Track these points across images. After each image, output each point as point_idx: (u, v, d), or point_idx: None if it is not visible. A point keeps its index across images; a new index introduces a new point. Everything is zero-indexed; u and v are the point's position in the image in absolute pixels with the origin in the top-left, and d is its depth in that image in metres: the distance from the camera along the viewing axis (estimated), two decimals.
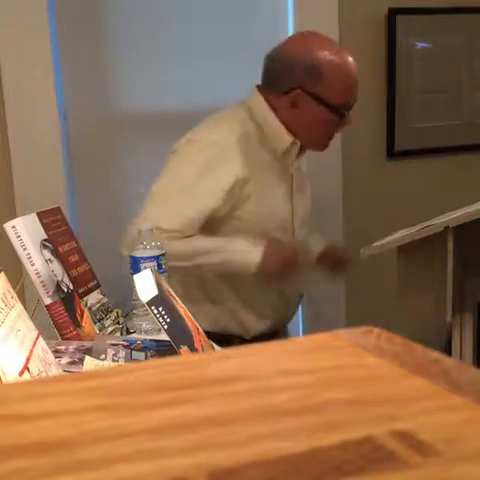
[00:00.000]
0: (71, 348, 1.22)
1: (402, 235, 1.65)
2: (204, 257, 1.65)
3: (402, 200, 2.51)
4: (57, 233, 1.38)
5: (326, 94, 1.69)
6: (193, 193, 1.66)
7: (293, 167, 1.80)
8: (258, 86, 1.78)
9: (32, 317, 1.05)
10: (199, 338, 1.14)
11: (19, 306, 0.99)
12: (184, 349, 1.06)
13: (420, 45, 2.53)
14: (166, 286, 1.20)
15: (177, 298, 1.24)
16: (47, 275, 1.28)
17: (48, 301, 1.27)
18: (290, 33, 2.22)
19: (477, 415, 0.37)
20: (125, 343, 1.25)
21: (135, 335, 1.40)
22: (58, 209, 1.45)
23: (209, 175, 1.65)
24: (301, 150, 1.79)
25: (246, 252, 1.66)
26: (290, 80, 1.71)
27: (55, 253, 1.34)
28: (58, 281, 1.30)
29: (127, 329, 1.43)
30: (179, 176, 1.69)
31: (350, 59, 1.73)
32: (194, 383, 0.42)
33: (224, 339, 1.79)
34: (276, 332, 1.89)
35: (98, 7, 2.20)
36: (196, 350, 1.08)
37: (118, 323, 1.44)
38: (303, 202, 1.84)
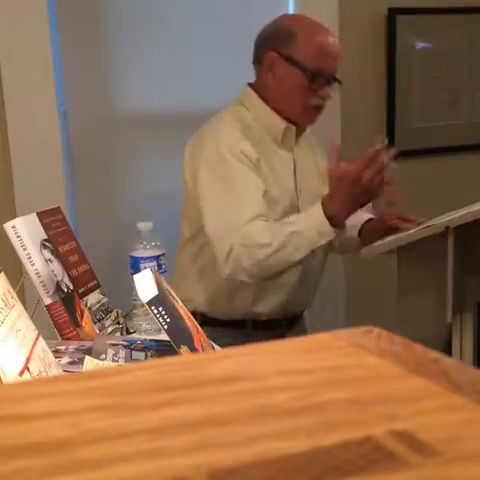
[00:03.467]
0: (71, 348, 1.22)
1: (402, 235, 1.65)
2: (281, 232, 1.63)
3: (402, 200, 2.51)
4: (57, 233, 1.38)
5: (299, 56, 1.73)
6: (245, 188, 1.70)
7: (295, 152, 1.84)
8: (249, 83, 1.85)
9: (32, 317, 1.05)
10: (199, 338, 1.14)
11: (19, 306, 0.99)
12: (184, 349, 1.06)
13: (420, 45, 2.53)
14: (166, 286, 1.20)
15: (177, 298, 1.24)
16: (47, 275, 1.28)
17: (48, 301, 1.27)
18: None
19: (477, 415, 0.37)
20: (125, 343, 1.26)
21: (135, 335, 1.40)
22: (58, 209, 1.45)
23: (244, 168, 1.70)
24: (298, 134, 1.83)
25: (308, 215, 1.66)
26: (266, 45, 1.77)
27: (55, 253, 1.34)
28: (58, 281, 1.30)
29: (127, 329, 1.43)
30: (223, 182, 1.71)
31: (327, 29, 1.77)
32: (194, 383, 0.42)
33: (237, 324, 1.81)
34: (293, 317, 1.91)
35: (98, 7, 2.20)
36: (196, 350, 1.08)
37: (118, 323, 1.44)
38: (308, 186, 1.86)
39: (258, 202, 1.68)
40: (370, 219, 1.87)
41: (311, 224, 1.63)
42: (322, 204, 1.62)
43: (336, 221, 1.62)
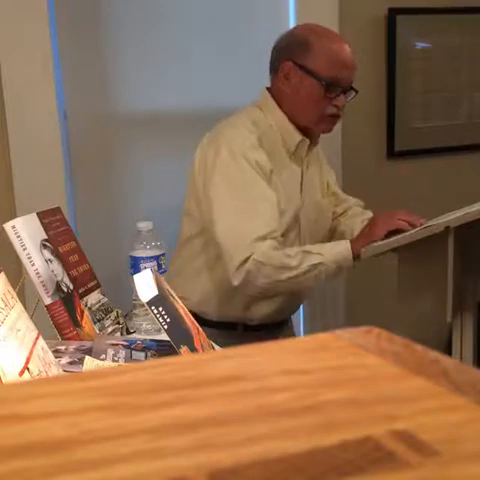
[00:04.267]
0: (71, 348, 1.22)
1: (402, 235, 1.65)
2: (308, 260, 1.68)
3: (402, 200, 2.51)
4: (57, 233, 1.38)
5: (314, 66, 1.73)
6: (261, 200, 1.71)
7: (304, 164, 1.84)
8: (267, 88, 1.84)
9: (32, 317, 1.05)
10: (199, 338, 1.14)
11: (19, 306, 0.99)
12: (184, 349, 1.06)
13: (420, 45, 2.53)
14: (166, 286, 1.20)
15: (177, 298, 1.24)
16: (47, 275, 1.28)
17: (48, 301, 1.27)
18: None
19: (477, 415, 0.37)
20: (125, 343, 1.26)
21: (135, 335, 1.40)
22: (58, 209, 1.45)
23: (259, 179, 1.71)
24: (310, 147, 1.83)
25: (335, 245, 1.73)
26: (282, 54, 1.78)
27: (55, 253, 1.34)
28: (58, 281, 1.30)
29: (127, 329, 1.43)
30: (238, 191, 1.72)
31: (342, 39, 1.79)
32: (194, 383, 0.42)
33: (228, 326, 1.82)
34: (281, 322, 1.93)
35: (98, 7, 2.20)
36: (196, 350, 1.08)
37: (118, 323, 1.44)
38: (310, 197, 1.87)
39: (273, 216, 1.69)
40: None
41: (336, 257, 1.68)
42: (351, 242, 1.70)
43: (356, 257, 1.71)
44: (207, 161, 1.74)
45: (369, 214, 1.93)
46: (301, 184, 1.84)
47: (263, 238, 1.65)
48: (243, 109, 1.84)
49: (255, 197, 1.69)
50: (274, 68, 1.81)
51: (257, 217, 1.67)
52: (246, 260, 1.63)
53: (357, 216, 1.94)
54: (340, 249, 1.69)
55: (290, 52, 1.76)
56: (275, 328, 1.90)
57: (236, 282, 1.66)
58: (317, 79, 1.73)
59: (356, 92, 1.81)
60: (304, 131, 1.80)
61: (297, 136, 1.79)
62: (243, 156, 1.70)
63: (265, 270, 1.64)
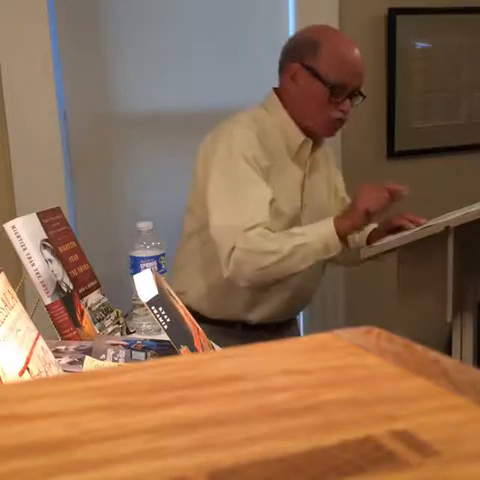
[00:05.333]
0: (71, 348, 1.22)
1: (402, 235, 1.65)
2: (290, 241, 1.65)
3: (402, 200, 2.51)
4: (57, 233, 1.38)
5: (321, 68, 1.72)
6: (252, 194, 1.70)
7: (307, 166, 1.83)
8: (274, 88, 1.83)
9: (32, 317, 1.05)
10: (199, 338, 1.14)
11: (19, 306, 0.99)
12: (184, 349, 1.06)
13: (420, 45, 2.53)
14: (166, 286, 1.20)
15: (177, 298, 1.24)
16: (47, 275, 1.28)
17: (48, 301, 1.27)
18: (290, 33, 2.22)
19: (477, 415, 0.37)
20: (125, 343, 1.26)
21: (135, 335, 1.40)
22: (58, 209, 1.45)
23: (254, 175, 1.70)
24: (313, 148, 1.83)
25: (318, 226, 1.69)
26: (291, 56, 1.77)
27: (55, 253, 1.34)
28: (58, 281, 1.30)
29: (127, 329, 1.43)
30: (232, 184, 1.72)
31: (352, 44, 1.76)
32: (194, 383, 0.42)
33: (226, 325, 1.81)
34: (282, 323, 1.91)
35: (98, 7, 2.20)
36: (196, 350, 1.08)
37: (118, 323, 1.44)
38: (314, 201, 1.86)
39: (263, 212, 1.68)
40: (375, 229, 1.88)
41: (320, 237, 1.65)
42: (335, 220, 1.66)
43: (343, 238, 1.66)
44: (207, 157, 1.75)
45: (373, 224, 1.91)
46: (302, 185, 1.83)
47: (251, 229, 1.64)
48: (248, 108, 1.83)
49: (247, 192, 1.68)
50: (281, 68, 1.80)
51: (246, 211, 1.66)
52: (233, 249, 1.63)
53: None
54: (324, 227, 1.66)
55: (298, 53, 1.75)
56: (276, 328, 1.89)
57: (226, 273, 1.66)
58: (323, 82, 1.72)
59: (364, 97, 1.80)
60: (307, 132, 1.79)
61: (300, 136, 1.78)
62: (240, 152, 1.69)
63: (250, 257, 1.63)
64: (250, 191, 1.69)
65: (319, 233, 1.66)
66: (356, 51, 1.75)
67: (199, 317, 1.76)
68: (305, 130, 1.78)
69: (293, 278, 1.73)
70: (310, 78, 1.73)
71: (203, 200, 1.74)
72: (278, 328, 1.90)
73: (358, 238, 1.87)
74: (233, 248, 1.63)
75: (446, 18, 2.53)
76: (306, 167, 1.83)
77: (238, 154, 1.69)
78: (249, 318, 1.85)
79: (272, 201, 1.71)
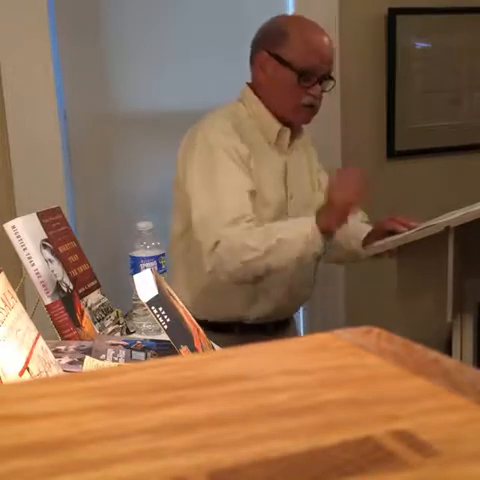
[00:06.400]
0: (71, 348, 1.22)
1: (402, 235, 1.65)
2: (270, 238, 1.63)
3: (402, 200, 2.51)
4: (57, 233, 1.38)
5: (288, 55, 1.73)
6: (230, 186, 1.69)
7: (286, 155, 1.83)
8: (248, 83, 1.85)
9: (32, 317, 1.05)
10: (199, 338, 1.14)
11: (19, 306, 0.99)
12: (184, 349, 1.06)
13: (420, 45, 2.53)
14: (166, 286, 1.20)
15: (177, 298, 1.24)
16: (47, 275, 1.28)
17: (48, 301, 1.27)
18: None
19: (477, 415, 0.37)
20: (125, 343, 1.26)
21: (135, 335, 1.40)
22: (58, 209, 1.45)
23: (231, 165, 1.69)
24: (292, 137, 1.82)
25: (296, 223, 1.67)
26: (258, 45, 1.79)
27: (55, 253, 1.34)
28: (58, 281, 1.30)
29: (127, 329, 1.43)
30: (210, 176, 1.71)
31: (320, 30, 1.77)
32: (194, 383, 0.42)
33: (223, 326, 1.80)
34: (279, 322, 1.90)
35: (98, 7, 2.20)
36: (196, 350, 1.08)
37: (118, 323, 1.44)
38: (299, 192, 1.85)
39: (242, 202, 1.67)
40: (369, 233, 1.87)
41: (301, 234, 1.63)
42: (317, 217, 1.63)
43: (327, 233, 1.63)
44: (186, 152, 1.75)
45: (366, 226, 1.89)
46: (285, 174, 1.82)
47: (233, 223, 1.63)
48: (225, 105, 1.84)
49: (226, 185, 1.68)
50: (251, 59, 1.82)
51: (226, 205, 1.65)
52: (216, 245, 1.63)
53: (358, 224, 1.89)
54: (305, 225, 1.64)
55: (265, 42, 1.77)
56: (272, 328, 1.88)
57: (208, 268, 1.66)
58: (291, 68, 1.72)
59: (334, 81, 1.79)
60: (284, 121, 1.79)
61: (277, 125, 1.78)
62: (218, 143, 1.69)
63: (232, 251, 1.62)
64: (228, 184, 1.68)
65: (300, 231, 1.64)
66: (324, 37, 1.76)
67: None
68: (281, 119, 1.79)
69: (282, 276, 1.72)
70: (278, 66, 1.74)
71: (186, 196, 1.73)
72: (276, 328, 1.90)
73: (354, 243, 1.85)
74: (216, 242, 1.63)
75: (446, 18, 2.53)
76: (287, 157, 1.83)
77: (217, 145, 1.69)
78: (244, 317, 1.83)
79: (254, 191, 1.70)
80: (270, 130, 1.79)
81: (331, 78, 1.78)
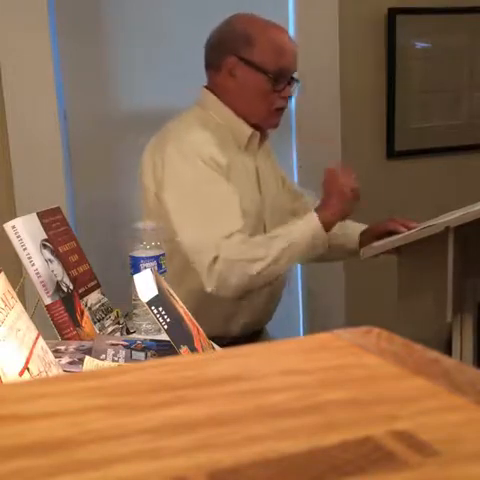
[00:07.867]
0: (71, 348, 1.22)
1: (402, 235, 1.65)
2: (276, 245, 1.61)
3: (402, 200, 2.51)
4: (57, 233, 1.38)
5: (259, 59, 1.69)
6: (221, 200, 1.65)
7: (257, 158, 1.80)
8: (205, 86, 1.79)
9: (32, 317, 1.05)
10: (199, 338, 1.14)
11: (19, 306, 0.99)
12: (184, 349, 1.06)
13: (420, 45, 2.53)
14: (166, 286, 1.20)
15: (177, 298, 1.24)
16: (47, 275, 1.28)
17: (48, 301, 1.27)
18: (291, 33, 2.22)
19: (477, 415, 0.37)
20: (125, 343, 1.25)
21: (135, 335, 1.40)
22: (58, 209, 1.45)
23: (216, 177, 1.65)
24: (261, 140, 1.80)
25: (302, 223, 1.65)
26: (225, 50, 1.72)
27: (55, 253, 1.34)
28: (58, 281, 1.30)
29: (127, 329, 1.43)
30: (197, 193, 1.66)
31: (283, 29, 1.75)
32: (194, 383, 0.42)
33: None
34: (255, 333, 1.86)
35: (98, 7, 2.20)
36: (196, 350, 1.08)
37: (118, 323, 1.44)
38: (271, 195, 1.83)
39: (236, 214, 1.63)
40: (365, 230, 1.87)
41: (306, 234, 1.62)
42: (318, 214, 1.62)
43: (330, 229, 1.64)
44: (157, 167, 1.68)
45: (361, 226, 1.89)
46: (258, 182, 1.79)
47: (228, 236, 1.59)
48: (185, 111, 1.79)
49: (212, 198, 1.63)
50: (214, 64, 1.75)
51: (218, 218, 1.61)
52: (215, 261, 1.58)
53: (350, 228, 1.87)
54: (308, 224, 1.62)
55: (232, 47, 1.71)
56: (254, 338, 1.82)
57: (209, 287, 1.59)
58: (264, 73, 1.69)
59: (298, 81, 1.76)
60: (253, 125, 1.75)
61: (247, 129, 1.74)
62: (197, 154, 1.64)
63: (236, 267, 1.58)
64: (215, 196, 1.63)
65: (304, 230, 1.62)
66: (287, 35, 1.74)
67: None
68: (250, 123, 1.75)
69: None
70: (249, 71, 1.70)
71: (161, 211, 1.65)
72: (257, 336, 1.85)
73: (347, 240, 1.85)
74: (214, 260, 1.57)
75: (446, 18, 2.53)
76: (257, 161, 1.80)
77: (194, 157, 1.64)
78: (230, 329, 1.78)
79: (238, 200, 1.66)
80: (241, 135, 1.75)
81: (296, 80, 1.75)
